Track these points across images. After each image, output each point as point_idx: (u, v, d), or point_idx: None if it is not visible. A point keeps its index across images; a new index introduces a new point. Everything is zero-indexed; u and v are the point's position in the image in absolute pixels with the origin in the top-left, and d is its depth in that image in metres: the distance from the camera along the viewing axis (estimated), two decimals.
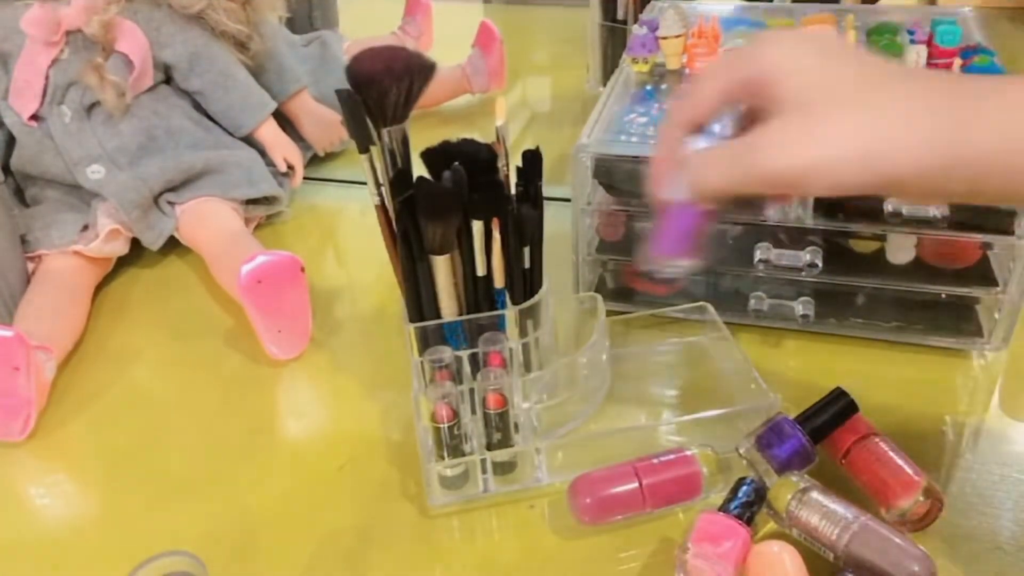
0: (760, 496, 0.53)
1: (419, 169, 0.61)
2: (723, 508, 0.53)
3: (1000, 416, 0.65)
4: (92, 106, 0.87)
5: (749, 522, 0.52)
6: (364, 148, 0.58)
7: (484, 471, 0.59)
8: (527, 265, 0.63)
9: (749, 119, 0.44)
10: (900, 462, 0.54)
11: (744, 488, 0.53)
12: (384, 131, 0.59)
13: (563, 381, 0.64)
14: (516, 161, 0.61)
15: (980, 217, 0.64)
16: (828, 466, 0.57)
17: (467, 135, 0.61)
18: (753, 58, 0.42)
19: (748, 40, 0.44)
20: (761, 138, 0.41)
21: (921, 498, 0.52)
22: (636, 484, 0.55)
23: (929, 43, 0.75)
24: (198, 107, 0.94)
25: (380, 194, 0.60)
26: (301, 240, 0.95)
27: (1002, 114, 0.38)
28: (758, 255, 0.69)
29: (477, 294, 0.63)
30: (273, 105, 0.96)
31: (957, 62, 0.76)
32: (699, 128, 0.46)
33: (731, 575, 0.49)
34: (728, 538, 0.50)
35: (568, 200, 0.72)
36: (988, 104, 0.39)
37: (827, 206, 0.67)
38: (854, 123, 0.39)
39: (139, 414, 0.71)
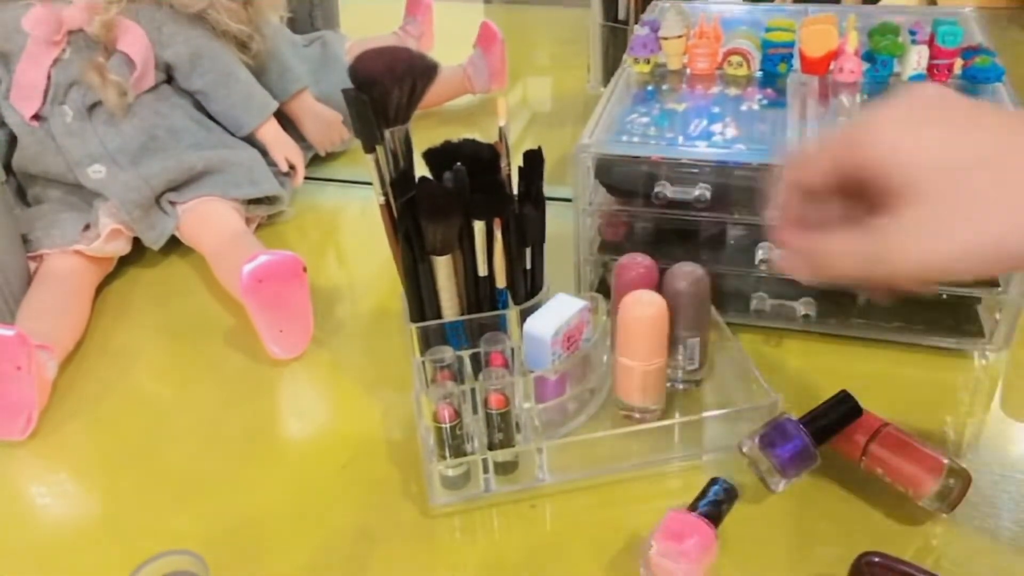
0: (730, 496, 0.53)
1: (421, 169, 0.61)
2: (692, 506, 0.53)
3: (1001, 416, 0.65)
4: (94, 106, 0.87)
5: (716, 521, 0.52)
6: (370, 148, 0.58)
7: (486, 471, 0.59)
8: (528, 265, 0.63)
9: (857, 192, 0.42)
10: (919, 447, 0.55)
11: (714, 488, 0.54)
12: (387, 132, 0.59)
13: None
14: (517, 161, 0.61)
15: None
16: (846, 467, 0.57)
17: (468, 135, 0.61)
18: (869, 142, 0.40)
19: (861, 116, 0.41)
20: (893, 232, 0.39)
21: (951, 483, 0.53)
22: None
23: (930, 43, 0.75)
24: (199, 107, 0.94)
25: (385, 193, 0.60)
26: (302, 240, 0.95)
27: None
28: (760, 255, 0.69)
29: (479, 294, 0.63)
30: (274, 105, 0.96)
31: (958, 62, 0.76)
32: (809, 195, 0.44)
33: (694, 573, 0.49)
34: (692, 536, 0.50)
35: (569, 200, 0.72)
36: None
37: None
38: (986, 215, 0.37)
39: (141, 413, 0.71)
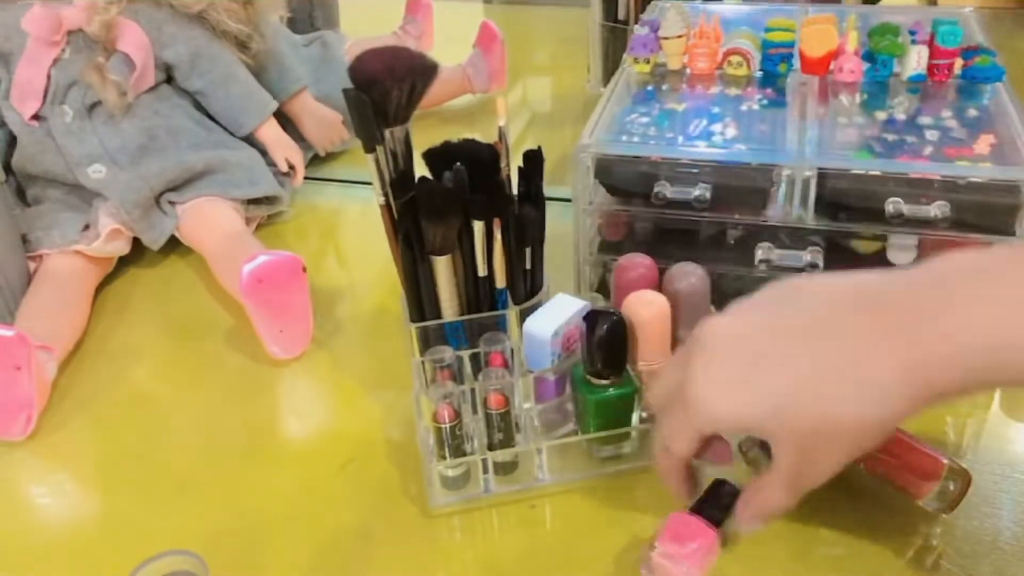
0: (735, 499, 0.53)
1: (421, 169, 0.61)
2: (696, 508, 0.53)
3: (1001, 417, 0.65)
4: (93, 106, 0.87)
5: (719, 524, 0.52)
6: (370, 148, 0.58)
7: (485, 471, 0.59)
8: (528, 265, 0.63)
9: None
10: (918, 447, 0.55)
11: (719, 490, 0.54)
12: (386, 132, 0.59)
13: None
14: (517, 161, 0.61)
15: (981, 217, 0.64)
16: (847, 467, 0.57)
17: (468, 135, 0.61)
18: (703, 420, 0.44)
19: (682, 384, 0.45)
20: (793, 469, 0.44)
21: (951, 483, 0.53)
22: None
23: (930, 43, 0.75)
24: (199, 107, 0.94)
25: (385, 193, 0.60)
26: (302, 240, 0.95)
27: (954, 347, 0.38)
28: (759, 255, 0.69)
29: (478, 294, 0.63)
30: (274, 105, 0.96)
31: (958, 62, 0.76)
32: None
33: (694, 575, 0.49)
34: (695, 539, 0.50)
35: (569, 200, 0.72)
36: (931, 335, 0.38)
37: (829, 207, 0.67)
38: (846, 442, 0.41)
39: (140, 414, 0.71)
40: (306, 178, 1.00)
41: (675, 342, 0.62)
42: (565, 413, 0.62)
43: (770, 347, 0.42)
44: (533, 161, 0.61)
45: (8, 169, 0.91)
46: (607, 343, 0.55)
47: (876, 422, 0.40)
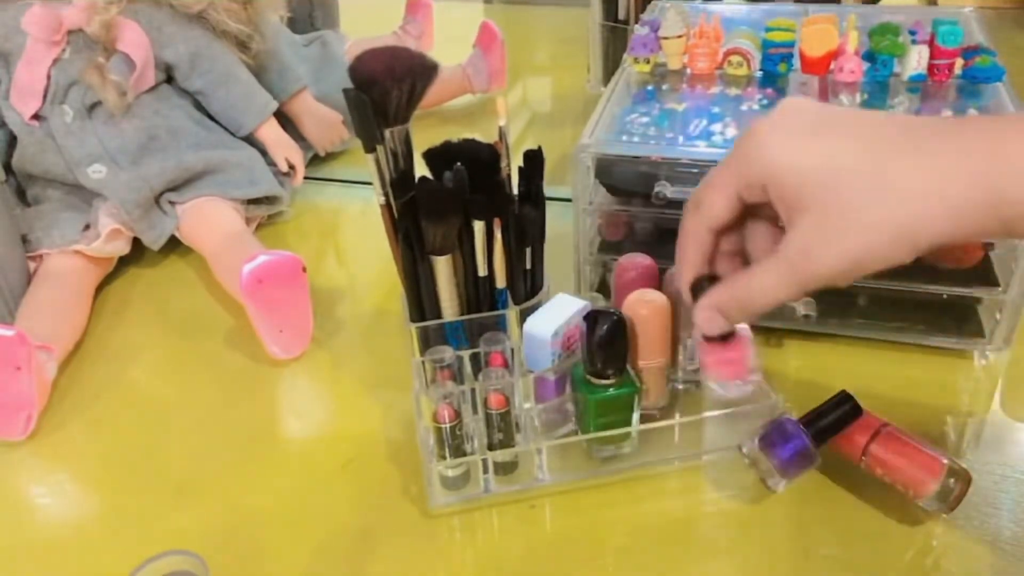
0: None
1: (421, 169, 0.61)
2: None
3: (1001, 417, 0.65)
4: (93, 106, 0.87)
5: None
6: (370, 148, 0.58)
7: (485, 471, 0.59)
8: (528, 265, 0.63)
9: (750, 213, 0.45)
10: (918, 447, 0.55)
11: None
12: (387, 132, 0.59)
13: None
14: (517, 161, 0.61)
15: None
16: (846, 467, 0.57)
17: (468, 135, 0.61)
18: (751, 164, 0.42)
19: (741, 134, 0.43)
20: (802, 245, 0.41)
21: (951, 483, 0.53)
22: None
23: (931, 43, 0.75)
24: (199, 107, 0.94)
25: (386, 193, 0.60)
26: (302, 240, 0.95)
27: None
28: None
29: (479, 294, 0.63)
30: (274, 105, 0.96)
31: (959, 62, 0.76)
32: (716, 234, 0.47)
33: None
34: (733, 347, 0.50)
35: (569, 200, 0.72)
36: (1013, 147, 0.37)
37: None
38: (880, 210, 0.38)
39: (140, 414, 0.71)
40: (306, 178, 1.00)
41: (675, 341, 0.63)
42: (565, 413, 0.62)
43: (849, 122, 0.41)
44: (533, 161, 0.61)
45: (8, 169, 0.91)
46: (607, 343, 0.55)
47: (928, 217, 0.38)
